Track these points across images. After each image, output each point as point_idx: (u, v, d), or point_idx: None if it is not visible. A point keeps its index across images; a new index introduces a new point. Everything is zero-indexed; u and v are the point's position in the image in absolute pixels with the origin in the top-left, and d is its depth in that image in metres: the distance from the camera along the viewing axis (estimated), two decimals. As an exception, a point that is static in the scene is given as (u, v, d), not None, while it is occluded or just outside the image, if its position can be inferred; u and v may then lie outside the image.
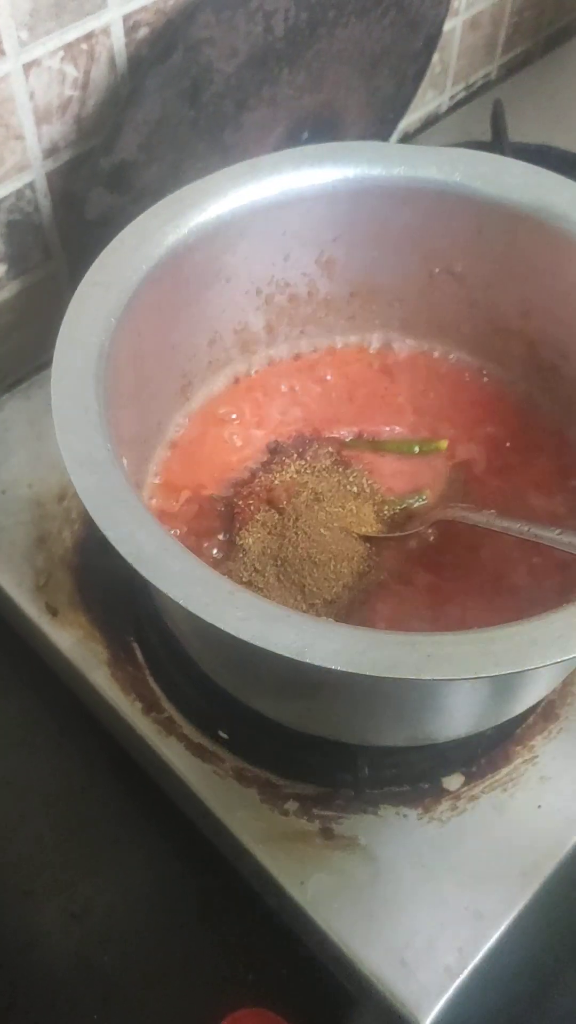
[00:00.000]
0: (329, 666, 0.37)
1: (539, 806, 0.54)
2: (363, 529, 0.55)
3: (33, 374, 0.73)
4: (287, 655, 0.37)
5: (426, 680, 0.37)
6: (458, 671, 0.37)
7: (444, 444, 0.59)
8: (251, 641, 0.38)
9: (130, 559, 0.40)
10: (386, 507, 0.56)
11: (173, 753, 0.56)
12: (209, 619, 0.38)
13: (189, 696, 0.57)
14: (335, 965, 0.52)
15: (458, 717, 0.49)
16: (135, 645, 0.60)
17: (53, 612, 0.60)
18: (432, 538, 0.55)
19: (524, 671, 0.37)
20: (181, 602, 0.39)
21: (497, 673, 0.37)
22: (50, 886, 0.61)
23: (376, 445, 0.60)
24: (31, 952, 0.59)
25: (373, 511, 0.56)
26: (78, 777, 0.64)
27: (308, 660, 0.37)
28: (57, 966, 0.59)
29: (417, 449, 0.59)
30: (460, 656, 0.37)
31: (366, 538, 0.55)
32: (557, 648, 0.38)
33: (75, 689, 0.63)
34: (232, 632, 0.38)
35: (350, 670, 0.37)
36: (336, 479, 0.57)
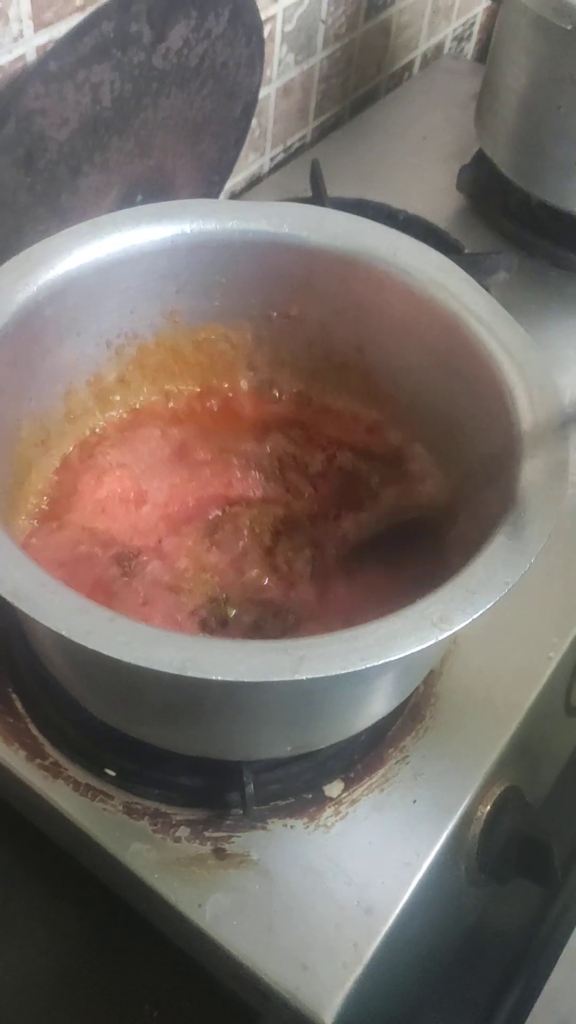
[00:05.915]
0: (210, 677, 0.40)
1: (414, 801, 0.57)
2: None
3: None
4: (170, 671, 0.40)
5: (301, 680, 0.40)
6: (329, 668, 0.40)
7: None
8: (135, 662, 0.40)
9: (9, 597, 0.41)
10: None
11: (61, 796, 0.56)
12: (93, 646, 0.40)
13: (73, 738, 0.58)
14: (236, 982, 0.54)
15: (335, 720, 0.52)
16: (14, 696, 0.60)
17: None
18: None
19: (387, 662, 0.41)
20: (64, 633, 0.41)
21: (364, 667, 0.40)
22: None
23: None
24: None
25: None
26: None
27: (190, 674, 0.40)
28: (-44, 1034, 0.58)
29: None
30: (329, 655, 0.41)
31: None
32: (415, 639, 0.42)
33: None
34: (116, 656, 0.40)
35: (229, 679, 0.40)
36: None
